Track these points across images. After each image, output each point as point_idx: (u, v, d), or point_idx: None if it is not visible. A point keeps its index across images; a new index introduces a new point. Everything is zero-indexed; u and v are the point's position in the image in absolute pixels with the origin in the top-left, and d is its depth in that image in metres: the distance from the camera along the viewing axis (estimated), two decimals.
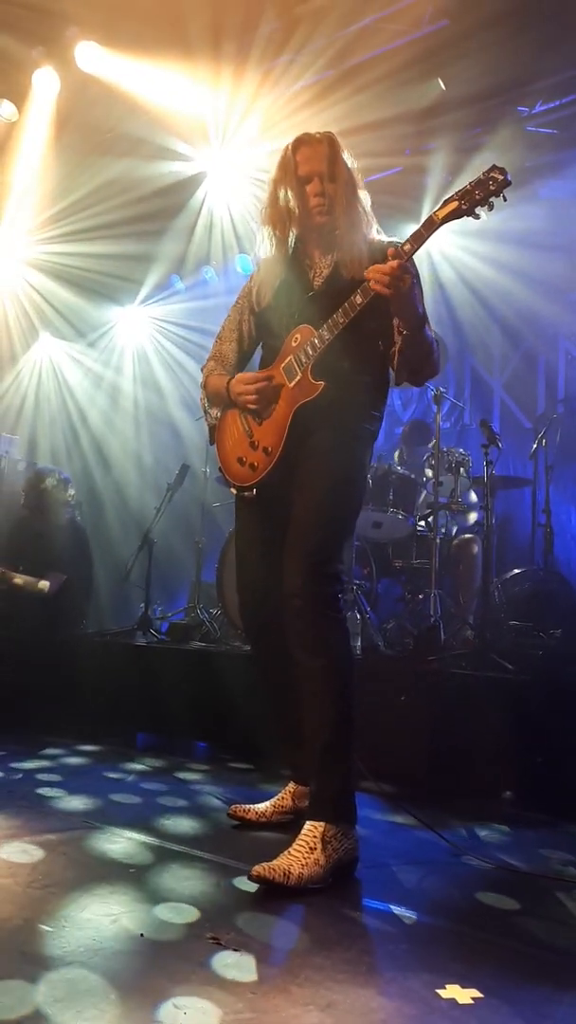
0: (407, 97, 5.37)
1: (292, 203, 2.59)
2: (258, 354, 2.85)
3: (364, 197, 2.63)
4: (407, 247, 2.35)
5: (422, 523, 5.17)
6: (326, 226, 2.60)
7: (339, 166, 2.57)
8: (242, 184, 6.45)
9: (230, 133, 5.97)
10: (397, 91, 5.31)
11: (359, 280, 2.45)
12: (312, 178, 2.56)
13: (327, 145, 2.59)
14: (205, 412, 2.84)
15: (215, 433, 2.80)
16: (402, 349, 2.50)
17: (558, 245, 5.95)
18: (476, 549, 5.02)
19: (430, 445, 5.76)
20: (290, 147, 2.62)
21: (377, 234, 2.65)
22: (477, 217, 2.30)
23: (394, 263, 2.29)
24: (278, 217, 2.64)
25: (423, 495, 5.31)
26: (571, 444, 5.78)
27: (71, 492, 5.09)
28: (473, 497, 5.42)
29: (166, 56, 5.29)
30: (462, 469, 5.13)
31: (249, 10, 5.02)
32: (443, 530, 5.20)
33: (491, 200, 2.26)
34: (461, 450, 5.26)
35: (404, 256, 2.33)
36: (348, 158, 2.61)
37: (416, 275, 2.53)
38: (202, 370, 2.87)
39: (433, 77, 5.27)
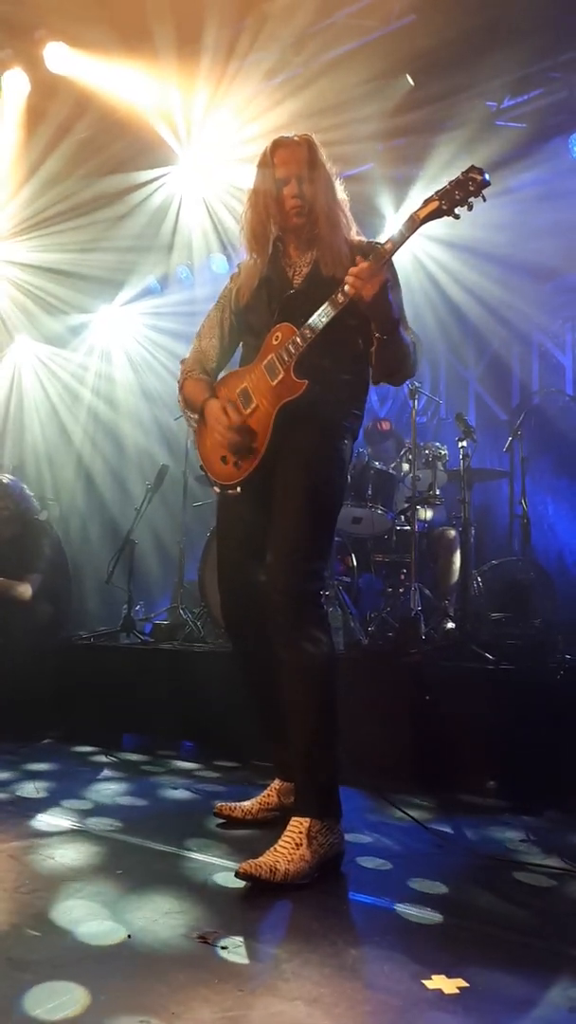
0: (376, 93, 5.37)
1: (270, 205, 2.61)
2: (238, 352, 2.85)
3: (343, 200, 2.67)
4: (388, 245, 2.38)
5: (401, 517, 5.20)
6: (304, 227, 2.63)
7: (317, 168, 2.60)
8: (214, 182, 6.45)
9: (201, 132, 5.96)
10: (366, 87, 5.32)
11: (339, 278, 2.46)
12: (289, 179, 2.58)
13: (306, 148, 2.61)
14: (185, 415, 2.83)
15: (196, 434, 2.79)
16: (378, 350, 2.53)
17: (529, 238, 5.98)
18: (455, 542, 5.05)
19: (388, 442, 5.81)
20: (268, 149, 2.64)
21: (357, 235, 2.68)
22: (456, 217, 2.34)
23: (364, 264, 2.33)
24: (257, 219, 2.66)
25: (401, 490, 5.34)
26: (546, 435, 5.83)
27: (25, 493, 5.04)
28: (450, 490, 5.45)
29: (135, 56, 5.27)
30: (439, 463, 5.17)
31: (216, 8, 5.01)
32: (426, 522, 5.22)
33: (470, 200, 2.31)
34: (437, 444, 5.30)
35: (383, 256, 2.37)
36: (327, 161, 2.64)
37: (394, 277, 2.57)
38: (181, 364, 2.86)
39: (401, 73, 5.29)
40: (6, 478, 5.05)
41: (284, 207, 2.60)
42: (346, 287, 2.38)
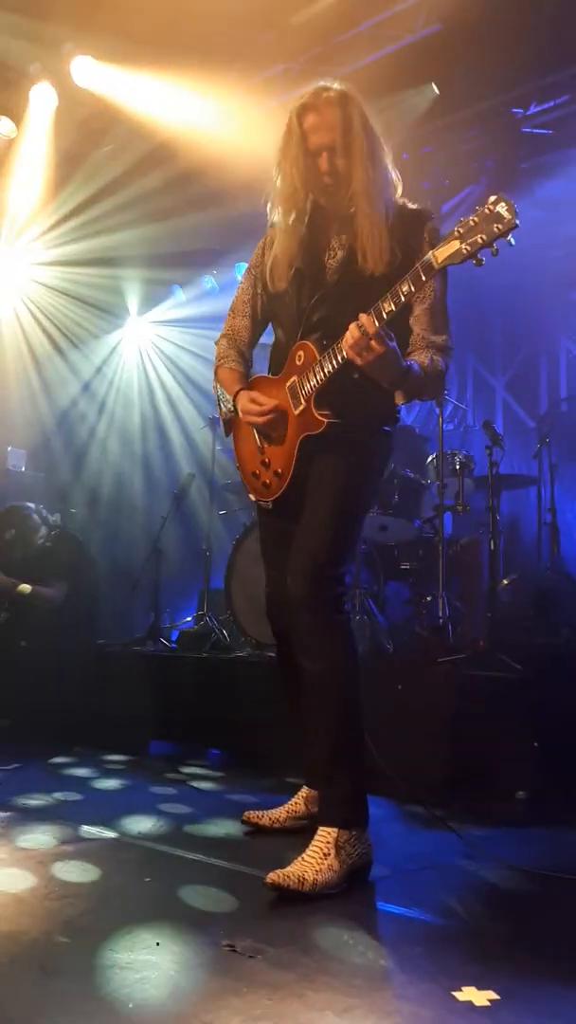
0: (402, 102, 5.39)
1: (302, 178, 2.38)
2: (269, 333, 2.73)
3: (387, 162, 2.39)
4: (406, 288, 2.16)
5: (427, 525, 5.18)
6: (340, 207, 2.41)
7: (353, 135, 2.30)
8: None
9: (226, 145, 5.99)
10: (392, 96, 5.33)
11: (376, 275, 2.34)
12: (322, 151, 2.33)
13: (339, 109, 2.31)
14: (219, 401, 2.70)
15: (231, 428, 2.70)
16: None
17: (556, 244, 5.97)
18: (482, 550, 5.02)
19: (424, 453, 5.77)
20: (295, 114, 2.35)
21: (400, 199, 2.44)
22: (480, 263, 2.06)
23: (356, 333, 2.14)
24: (289, 193, 2.42)
25: (428, 497, 5.32)
26: (575, 442, 5.79)
27: (42, 513, 5.08)
28: (478, 499, 5.43)
29: (162, 69, 5.32)
30: (466, 471, 5.14)
31: (244, 21, 5.03)
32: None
33: (495, 244, 2.04)
34: (464, 452, 5.27)
35: (387, 311, 2.16)
36: (365, 120, 2.34)
37: (442, 285, 2.42)
38: (216, 344, 2.75)
39: (427, 81, 5.29)
40: (23, 503, 5.09)
41: (319, 183, 2.38)
42: (381, 306, 2.18)
